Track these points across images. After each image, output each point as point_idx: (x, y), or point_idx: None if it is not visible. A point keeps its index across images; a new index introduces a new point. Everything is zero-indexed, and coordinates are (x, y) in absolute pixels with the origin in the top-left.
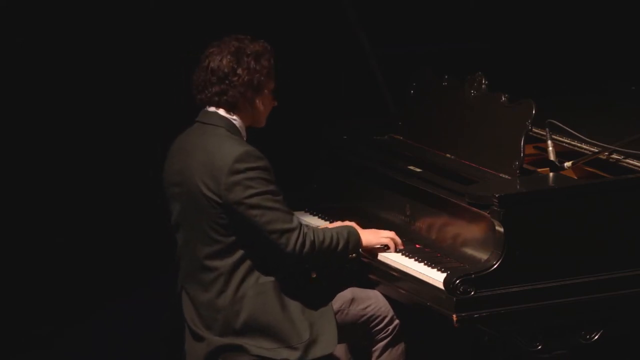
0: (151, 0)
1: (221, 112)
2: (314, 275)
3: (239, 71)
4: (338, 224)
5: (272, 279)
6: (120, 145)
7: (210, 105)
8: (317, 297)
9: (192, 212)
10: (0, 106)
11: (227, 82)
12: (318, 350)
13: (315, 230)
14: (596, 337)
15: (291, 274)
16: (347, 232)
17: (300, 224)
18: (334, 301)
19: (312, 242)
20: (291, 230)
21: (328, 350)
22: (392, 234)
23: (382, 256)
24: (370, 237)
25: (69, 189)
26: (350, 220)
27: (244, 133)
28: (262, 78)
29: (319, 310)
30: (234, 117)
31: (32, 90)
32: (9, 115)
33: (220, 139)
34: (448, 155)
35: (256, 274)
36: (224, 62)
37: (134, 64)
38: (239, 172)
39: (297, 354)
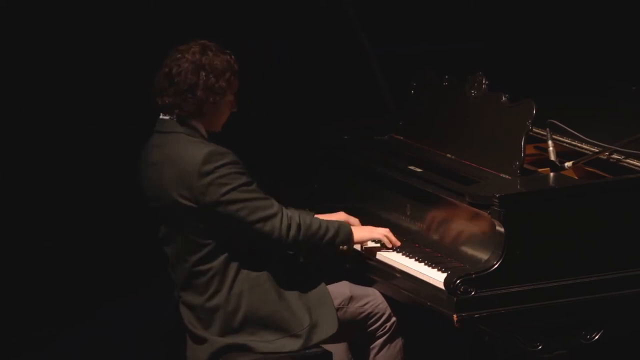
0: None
1: (176, 119)
2: (301, 260)
3: (197, 89)
4: (326, 216)
5: (264, 270)
6: (119, 144)
7: (164, 113)
8: (311, 281)
9: (174, 223)
10: None
11: (182, 97)
12: (320, 334)
13: (300, 214)
14: (596, 337)
15: (282, 262)
16: (338, 224)
17: (282, 208)
18: (332, 298)
19: (298, 225)
20: (274, 216)
21: (330, 332)
22: (386, 231)
23: (383, 256)
24: (364, 232)
25: (69, 189)
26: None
27: (204, 132)
28: (218, 98)
29: (314, 294)
30: (189, 122)
31: (18, 92)
32: None
33: (183, 145)
34: (448, 155)
35: (248, 268)
36: (182, 75)
37: (124, 65)
38: (208, 173)
39: (300, 341)
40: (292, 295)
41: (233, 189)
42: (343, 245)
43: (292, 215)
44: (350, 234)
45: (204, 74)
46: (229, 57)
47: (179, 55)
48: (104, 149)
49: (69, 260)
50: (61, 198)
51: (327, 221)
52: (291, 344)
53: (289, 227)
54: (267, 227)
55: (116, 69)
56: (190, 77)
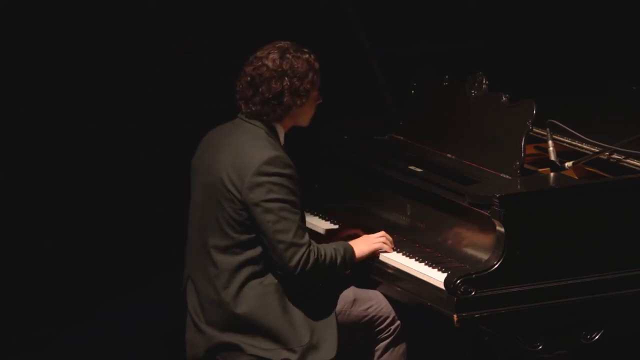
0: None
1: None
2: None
3: (283, 96)
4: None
5: (275, 281)
6: (119, 144)
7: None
8: (321, 303)
9: (212, 202)
10: None
11: (269, 105)
12: (317, 356)
13: (318, 247)
14: (596, 337)
15: (297, 280)
16: (343, 248)
17: (310, 242)
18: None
19: (316, 260)
20: (300, 246)
21: (328, 357)
22: (381, 235)
23: (383, 256)
24: (363, 247)
25: (69, 189)
26: (351, 221)
27: (282, 137)
28: (304, 99)
29: (321, 316)
30: (272, 124)
31: (18, 92)
32: None
33: (256, 139)
34: (449, 155)
35: (261, 277)
36: (266, 84)
37: (124, 65)
38: (265, 174)
39: (296, 356)
40: (297, 312)
41: (277, 200)
42: (348, 270)
43: (312, 250)
44: (353, 255)
45: (287, 79)
46: (307, 55)
47: (259, 63)
48: (104, 149)
49: (69, 260)
50: (61, 198)
51: (335, 249)
52: (286, 356)
53: (307, 261)
54: (288, 253)
55: (116, 69)
56: (274, 86)
